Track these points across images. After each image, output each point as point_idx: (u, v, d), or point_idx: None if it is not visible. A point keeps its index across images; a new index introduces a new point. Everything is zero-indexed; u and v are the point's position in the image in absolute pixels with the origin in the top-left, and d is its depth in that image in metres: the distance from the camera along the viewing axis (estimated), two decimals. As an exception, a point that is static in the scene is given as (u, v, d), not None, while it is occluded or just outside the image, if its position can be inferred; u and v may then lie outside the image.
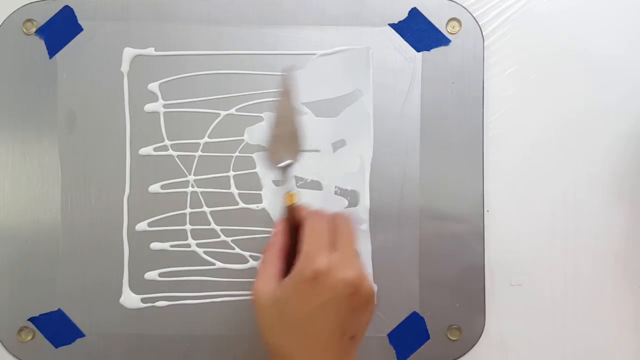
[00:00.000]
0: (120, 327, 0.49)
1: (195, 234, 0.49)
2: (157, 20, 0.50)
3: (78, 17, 0.50)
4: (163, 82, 0.50)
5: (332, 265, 0.39)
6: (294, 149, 0.48)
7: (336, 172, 0.49)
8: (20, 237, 0.49)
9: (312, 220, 0.42)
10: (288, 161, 0.47)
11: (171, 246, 0.49)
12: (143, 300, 0.49)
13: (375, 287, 0.49)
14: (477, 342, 0.49)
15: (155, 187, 0.49)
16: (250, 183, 0.50)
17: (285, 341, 0.40)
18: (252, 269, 0.49)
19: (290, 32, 0.50)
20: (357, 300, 0.40)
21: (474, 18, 0.50)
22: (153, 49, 0.50)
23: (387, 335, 0.49)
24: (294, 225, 0.44)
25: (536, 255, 0.50)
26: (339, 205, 0.49)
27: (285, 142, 0.48)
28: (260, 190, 0.50)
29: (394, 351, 0.49)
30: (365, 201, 0.49)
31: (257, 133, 0.50)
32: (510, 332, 0.50)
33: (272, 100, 0.49)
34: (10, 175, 0.49)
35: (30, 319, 0.49)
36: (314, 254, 0.40)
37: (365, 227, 0.49)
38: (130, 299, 0.49)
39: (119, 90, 0.49)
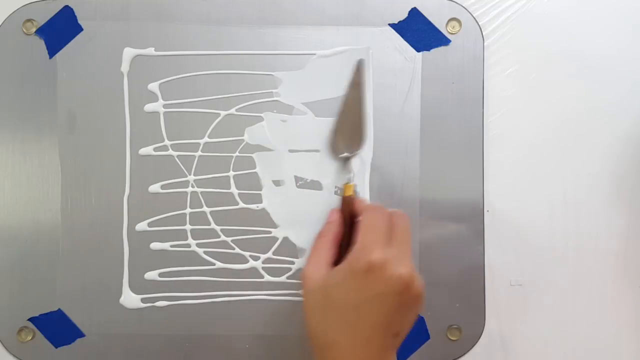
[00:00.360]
0: (120, 327, 0.49)
1: (195, 234, 0.49)
2: (157, 20, 0.50)
3: (78, 17, 0.50)
4: (163, 82, 0.50)
5: (387, 259, 0.39)
6: (357, 140, 0.48)
7: (336, 172, 0.49)
8: (20, 237, 0.49)
9: (370, 213, 0.43)
10: (349, 153, 0.48)
11: (171, 246, 0.49)
12: (143, 300, 0.49)
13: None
14: (477, 342, 0.49)
15: (155, 187, 0.49)
16: (250, 183, 0.50)
17: (329, 328, 0.40)
18: (252, 269, 0.49)
19: (290, 32, 0.50)
20: (406, 297, 0.40)
21: (474, 18, 0.50)
22: (153, 49, 0.50)
23: (387, 335, 0.49)
24: (348, 216, 0.45)
25: (536, 255, 0.50)
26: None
27: (349, 132, 0.48)
28: (260, 190, 0.49)
29: (394, 351, 0.49)
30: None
31: (257, 133, 0.50)
32: (510, 332, 0.50)
33: (342, 90, 0.49)
34: (10, 175, 0.49)
35: (30, 319, 0.49)
36: (370, 246, 0.40)
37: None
38: (130, 299, 0.49)
39: (119, 90, 0.49)
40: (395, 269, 0.39)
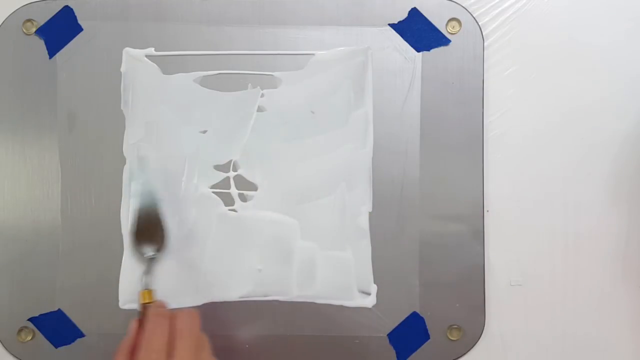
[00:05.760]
0: (120, 327, 0.49)
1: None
2: (157, 20, 0.50)
3: (78, 17, 0.50)
4: (163, 82, 0.50)
5: None
6: (159, 239, 0.48)
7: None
8: (20, 237, 0.49)
9: (150, 325, 0.42)
10: (152, 253, 0.47)
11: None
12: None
13: (375, 288, 0.49)
14: (477, 342, 0.49)
15: (155, 187, 0.49)
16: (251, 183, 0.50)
17: None
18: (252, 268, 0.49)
19: (290, 32, 0.50)
20: None
21: (474, 18, 0.50)
22: (153, 49, 0.50)
23: (387, 335, 0.49)
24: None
25: (536, 255, 0.50)
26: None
27: (150, 232, 0.48)
28: (255, 190, 0.49)
29: (394, 351, 0.49)
30: (365, 202, 0.49)
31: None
32: (510, 332, 0.50)
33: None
34: (10, 175, 0.49)
35: (30, 319, 0.49)
36: None
37: (365, 225, 0.49)
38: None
39: (118, 90, 0.49)
40: None
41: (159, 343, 0.41)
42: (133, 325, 0.43)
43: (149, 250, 0.47)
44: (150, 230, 0.48)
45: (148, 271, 0.47)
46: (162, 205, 0.48)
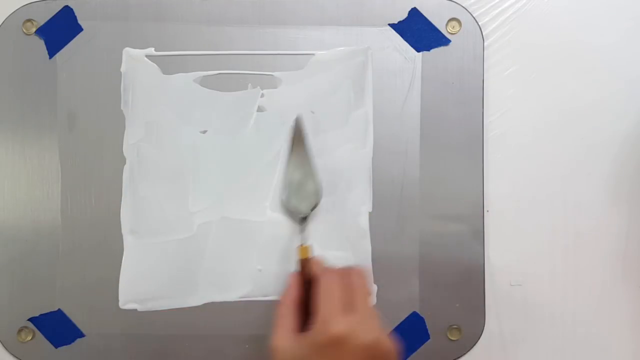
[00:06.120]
0: (120, 327, 0.49)
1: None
2: (156, 20, 0.50)
3: (78, 17, 0.50)
4: (163, 82, 0.50)
5: (350, 329, 0.39)
6: (312, 198, 0.48)
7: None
8: (20, 237, 0.49)
9: (326, 280, 0.42)
10: (306, 212, 0.48)
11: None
12: (142, 302, 0.49)
13: (375, 288, 0.49)
14: (477, 342, 0.49)
15: (155, 187, 0.49)
16: (256, 189, 0.50)
17: None
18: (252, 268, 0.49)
19: (290, 32, 0.50)
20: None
21: (474, 18, 0.50)
22: (153, 49, 0.50)
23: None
24: (307, 277, 0.44)
25: (536, 255, 0.50)
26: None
27: (303, 191, 0.48)
28: (267, 200, 0.49)
29: (394, 351, 0.49)
30: (365, 202, 0.49)
31: None
32: (510, 332, 0.50)
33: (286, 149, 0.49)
34: (10, 175, 0.49)
35: (30, 319, 0.49)
36: (329, 317, 0.39)
37: (365, 225, 0.49)
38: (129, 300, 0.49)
39: (118, 90, 0.49)
40: (360, 337, 0.39)
41: (339, 296, 0.41)
42: (293, 278, 0.44)
43: (304, 210, 0.48)
44: (304, 188, 0.48)
45: (303, 229, 0.47)
46: (315, 162, 0.48)
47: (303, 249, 0.45)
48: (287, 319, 0.42)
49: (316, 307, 0.41)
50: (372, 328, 0.40)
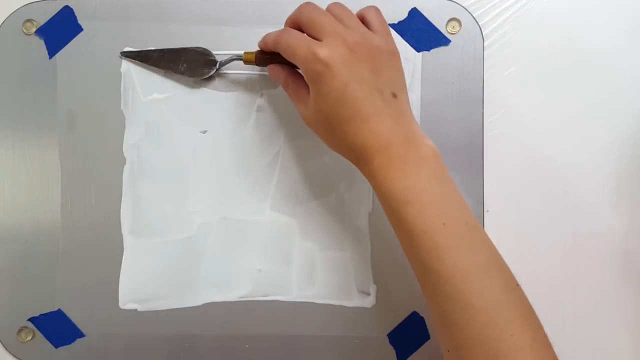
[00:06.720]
0: (120, 327, 0.49)
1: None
2: (157, 20, 0.50)
3: (78, 17, 0.50)
4: (163, 82, 0.50)
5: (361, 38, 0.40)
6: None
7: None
8: (20, 237, 0.49)
9: (305, 12, 0.42)
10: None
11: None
12: (142, 302, 0.49)
13: (375, 287, 0.49)
14: (477, 342, 0.49)
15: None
16: (256, 188, 0.50)
17: (342, 135, 0.41)
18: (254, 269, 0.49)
19: (290, 32, 0.50)
20: (387, 56, 0.41)
21: (474, 18, 0.50)
22: (153, 49, 0.50)
23: (387, 335, 0.49)
24: (278, 61, 0.45)
25: (536, 256, 0.50)
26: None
27: None
28: (267, 200, 0.49)
29: (394, 351, 0.49)
30: (365, 202, 0.49)
31: None
32: (510, 332, 0.50)
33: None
34: (10, 175, 0.49)
35: (30, 319, 0.49)
36: (338, 33, 0.40)
37: (365, 225, 0.49)
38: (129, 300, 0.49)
39: (118, 90, 0.49)
40: (370, 40, 0.41)
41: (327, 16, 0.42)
42: (272, 69, 0.45)
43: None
44: None
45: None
46: None
47: (247, 54, 0.46)
48: (297, 92, 0.43)
49: (319, 32, 0.41)
50: (359, 31, 0.41)
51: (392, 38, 0.43)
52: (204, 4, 0.50)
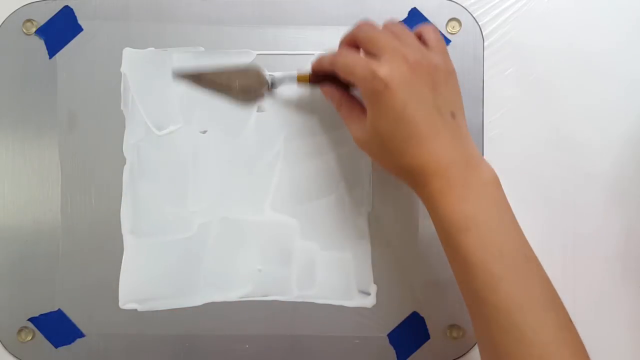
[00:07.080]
0: (120, 327, 0.49)
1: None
2: (157, 20, 0.50)
3: (78, 17, 0.50)
4: (163, 82, 0.50)
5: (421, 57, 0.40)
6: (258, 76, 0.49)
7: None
8: (20, 237, 0.49)
9: (363, 30, 0.42)
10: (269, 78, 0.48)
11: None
12: (142, 302, 0.49)
13: (375, 287, 0.49)
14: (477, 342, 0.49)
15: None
16: (257, 188, 0.50)
17: (402, 152, 0.40)
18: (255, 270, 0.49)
19: (290, 32, 0.50)
20: (443, 75, 0.41)
21: (474, 18, 0.50)
22: (153, 49, 0.50)
23: (387, 335, 0.49)
24: (332, 82, 0.45)
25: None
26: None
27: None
28: (266, 199, 0.49)
29: (394, 351, 0.49)
30: (365, 202, 0.49)
31: None
32: (510, 332, 0.50)
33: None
34: (10, 175, 0.49)
35: (30, 319, 0.49)
36: (398, 51, 0.40)
37: (365, 225, 0.49)
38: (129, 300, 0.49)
39: (118, 90, 0.49)
40: (432, 59, 0.40)
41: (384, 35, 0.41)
42: (325, 90, 0.46)
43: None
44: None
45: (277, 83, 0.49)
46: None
47: (301, 76, 0.46)
48: (351, 112, 0.43)
49: (378, 51, 0.40)
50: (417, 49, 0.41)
51: (449, 57, 0.42)
52: (204, 4, 0.50)
